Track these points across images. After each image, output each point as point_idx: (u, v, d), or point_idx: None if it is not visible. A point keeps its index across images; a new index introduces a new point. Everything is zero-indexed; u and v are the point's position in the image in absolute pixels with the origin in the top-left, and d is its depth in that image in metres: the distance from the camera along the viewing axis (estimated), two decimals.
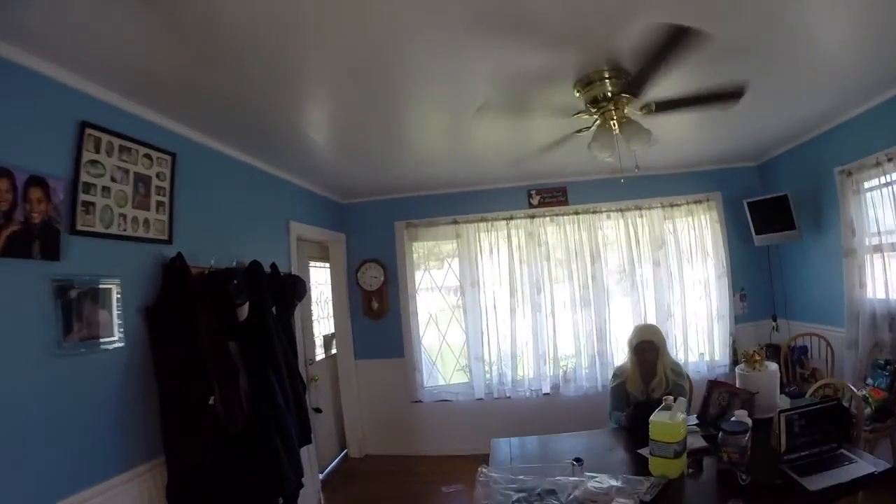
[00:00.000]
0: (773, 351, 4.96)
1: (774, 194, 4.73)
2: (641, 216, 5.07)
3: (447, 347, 5.26)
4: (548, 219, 4.97)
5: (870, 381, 3.57)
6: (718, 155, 5.01)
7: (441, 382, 5.20)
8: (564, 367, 5.00)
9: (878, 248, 3.81)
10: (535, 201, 5.00)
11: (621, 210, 5.04)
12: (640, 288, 5.03)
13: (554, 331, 4.95)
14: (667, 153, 4.75)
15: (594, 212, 5.00)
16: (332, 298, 5.14)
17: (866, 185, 3.87)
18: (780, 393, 3.13)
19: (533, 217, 4.95)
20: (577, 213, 4.97)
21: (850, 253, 3.98)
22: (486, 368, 4.95)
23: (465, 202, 5.05)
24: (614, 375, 3.26)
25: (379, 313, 5.05)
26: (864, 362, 3.84)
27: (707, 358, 5.12)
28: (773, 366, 2.88)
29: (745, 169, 5.39)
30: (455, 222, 4.98)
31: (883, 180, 3.66)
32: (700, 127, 3.93)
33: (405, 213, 5.09)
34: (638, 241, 5.06)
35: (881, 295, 3.80)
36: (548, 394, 4.97)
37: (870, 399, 3.31)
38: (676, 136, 4.13)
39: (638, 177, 5.14)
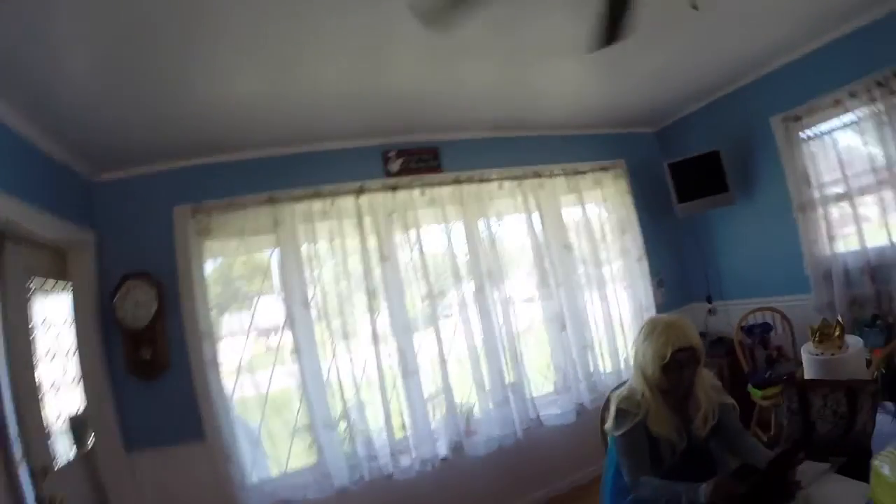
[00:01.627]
0: (714, 341, 3.97)
1: (702, 151, 3.84)
2: (542, 186, 3.72)
3: (275, 413, 3.15)
4: (417, 192, 3.35)
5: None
6: (619, 115, 4.03)
7: (274, 473, 3.09)
8: (463, 411, 3.33)
9: (846, 196, 3.30)
10: (394, 167, 3.37)
11: (517, 178, 3.64)
12: (553, 282, 3.61)
13: (441, 359, 3.25)
14: (567, 106, 3.60)
15: (482, 181, 3.52)
16: (77, 348, 2.91)
17: (821, 128, 3.40)
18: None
19: (395, 189, 3.29)
20: (457, 181, 3.45)
21: (808, 206, 3.45)
22: (344, 436, 3.05)
23: (287, 170, 3.18)
24: (620, 413, 1.77)
25: (154, 368, 2.89)
26: (846, 323, 3.12)
27: None
28: (856, 339, 2.03)
29: (644, 136, 4.48)
30: (272, 201, 3.04)
31: (844, 120, 3.26)
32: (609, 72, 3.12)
33: (191, 191, 3.03)
34: (542, 219, 3.67)
35: (853, 246, 3.31)
36: (446, 458, 3.21)
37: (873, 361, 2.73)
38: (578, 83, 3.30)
39: (533, 136, 3.95)
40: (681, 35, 2.80)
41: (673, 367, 1.68)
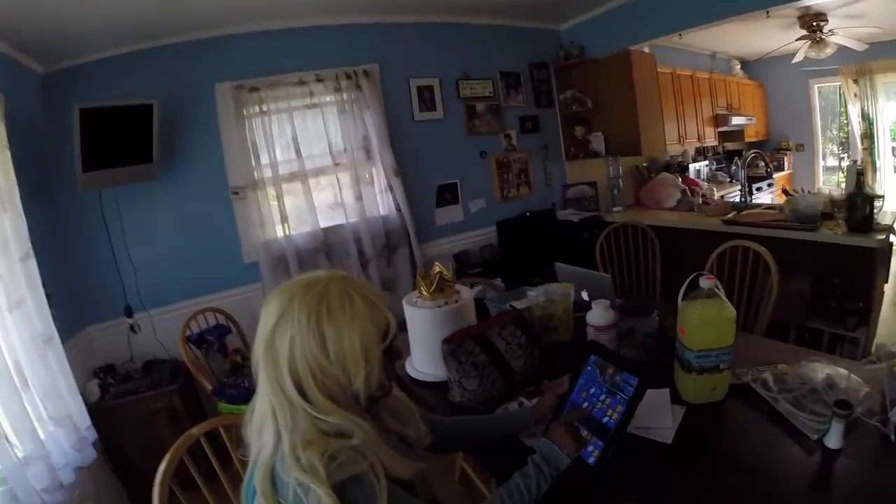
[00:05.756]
0: (144, 366, 2.92)
1: (133, 101, 2.81)
2: None
3: None
4: None
5: None
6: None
7: None
8: None
9: (298, 176, 3.25)
10: None
11: None
12: None
13: None
14: None
15: None
16: None
17: (279, 105, 3.21)
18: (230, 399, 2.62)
19: None
20: None
21: (256, 186, 3.16)
22: None
23: None
24: (351, 486, 0.82)
25: None
26: None
27: (66, 431, 2.44)
28: (468, 290, 1.80)
29: (28, 72, 2.86)
30: None
31: (305, 102, 3.26)
32: None
33: None
34: None
35: (305, 228, 3.31)
36: None
37: None
38: None
39: None
40: None
41: (394, 350, 0.99)
